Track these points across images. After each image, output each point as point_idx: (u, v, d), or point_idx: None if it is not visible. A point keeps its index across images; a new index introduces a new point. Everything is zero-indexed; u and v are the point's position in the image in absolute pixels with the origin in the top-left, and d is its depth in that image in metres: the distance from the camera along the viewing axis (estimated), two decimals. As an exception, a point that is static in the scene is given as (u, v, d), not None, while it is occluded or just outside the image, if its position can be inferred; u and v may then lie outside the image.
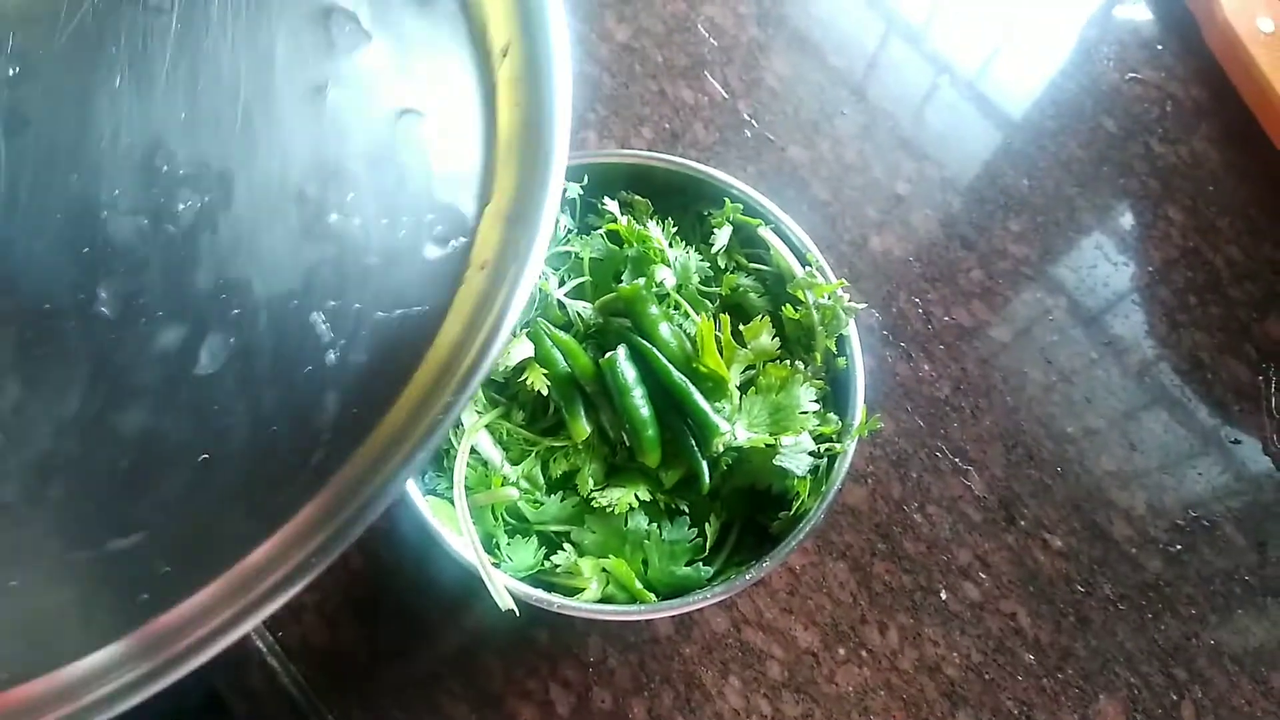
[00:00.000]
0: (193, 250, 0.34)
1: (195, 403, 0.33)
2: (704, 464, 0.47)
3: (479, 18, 0.39)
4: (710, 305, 0.52)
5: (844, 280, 0.51)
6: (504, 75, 0.38)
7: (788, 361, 0.49)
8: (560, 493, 0.48)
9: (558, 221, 0.52)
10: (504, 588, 0.43)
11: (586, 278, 0.51)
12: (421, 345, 0.35)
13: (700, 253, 0.53)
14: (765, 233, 0.52)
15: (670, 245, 0.52)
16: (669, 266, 0.51)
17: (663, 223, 0.53)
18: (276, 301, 0.34)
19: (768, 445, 0.46)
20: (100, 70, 0.35)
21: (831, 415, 0.49)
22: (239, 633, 0.29)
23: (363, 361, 0.34)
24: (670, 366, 0.47)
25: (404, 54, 0.38)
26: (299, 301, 0.34)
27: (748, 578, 0.45)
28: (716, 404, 0.47)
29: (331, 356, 0.34)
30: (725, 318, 0.48)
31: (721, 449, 0.46)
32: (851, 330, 0.50)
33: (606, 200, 0.52)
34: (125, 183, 0.34)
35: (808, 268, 0.51)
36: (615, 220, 0.52)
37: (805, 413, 0.48)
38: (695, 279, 0.52)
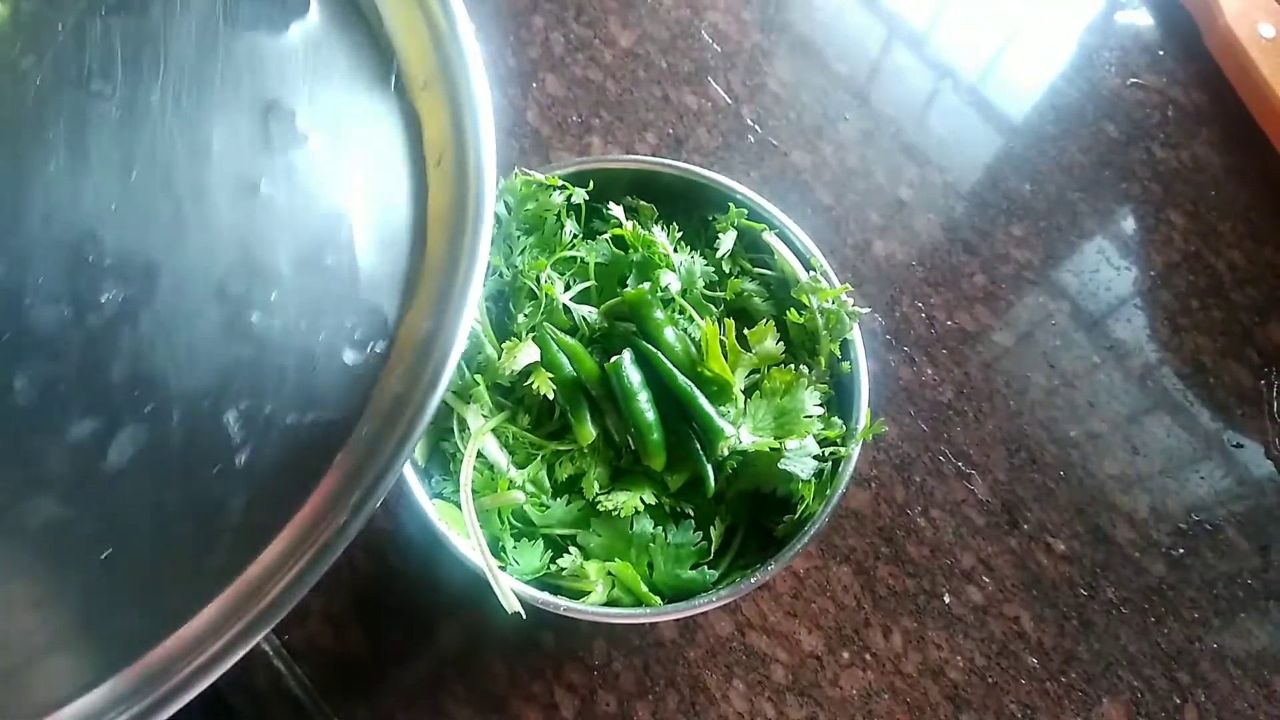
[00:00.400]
0: (112, 342, 0.33)
1: (102, 497, 0.32)
2: (709, 467, 0.47)
3: (417, 124, 0.39)
4: (715, 310, 0.53)
5: (848, 285, 0.51)
6: (437, 181, 0.38)
7: (792, 366, 0.49)
8: (566, 496, 0.48)
9: (562, 228, 0.52)
10: (510, 590, 0.44)
11: (592, 282, 0.52)
12: (332, 450, 0.34)
13: (705, 257, 0.53)
14: (769, 237, 0.53)
15: (675, 250, 0.52)
16: (674, 271, 0.51)
17: (667, 228, 0.53)
18: (191, 399, 0.34)
19: (772, 449, 0.47)
20: (37, 153, 0.34)
21: (835, 419, 0.49)
22: None
23: (271, 464, 0.34)
24: (675, 371, 0.47)
25: (340, 155, 0.38)
26: (213, 401, 0.34)
27: (752, 581, 0.45)
28: (721, 408, 0.47)
29: (241, 458, 0.34)
30: (730, 322, 0.49)
31: (726, 452, 0.46)
32: (855, 334, 0.50)
33: (611, 205, 0.53)
34: (51, 270, 0.33)
35: (811, 272, 0.51)
36: (620, 225, 0.52)
37: (809, 416, 0.48)
38: (700, 283, 0.52)
